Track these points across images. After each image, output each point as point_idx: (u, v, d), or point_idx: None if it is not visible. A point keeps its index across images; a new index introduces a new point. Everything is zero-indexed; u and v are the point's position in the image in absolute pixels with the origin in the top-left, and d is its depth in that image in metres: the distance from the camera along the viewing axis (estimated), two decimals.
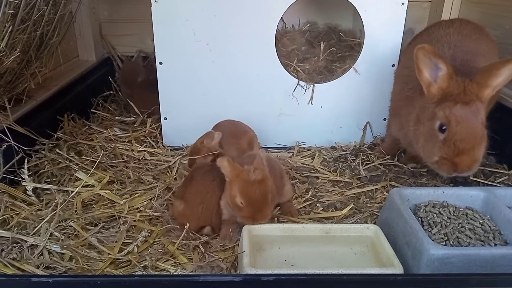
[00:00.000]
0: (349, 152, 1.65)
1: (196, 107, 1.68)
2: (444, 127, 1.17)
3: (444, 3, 2.13)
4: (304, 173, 1.52)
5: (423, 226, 1.09)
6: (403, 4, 1.58)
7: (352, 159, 1.60)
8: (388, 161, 1.58)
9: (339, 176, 1.50)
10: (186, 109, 1.68)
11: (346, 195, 1.39)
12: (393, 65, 1.66)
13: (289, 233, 1.13)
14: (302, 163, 1.59)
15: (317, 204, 1.35)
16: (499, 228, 1.10)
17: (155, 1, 1.54)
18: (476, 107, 1.16)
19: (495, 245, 1.04)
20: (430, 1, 2.29)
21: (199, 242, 1.14)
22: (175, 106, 1.68)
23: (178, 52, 1.60)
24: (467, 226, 1.09)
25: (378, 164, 1.57)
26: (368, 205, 1.34)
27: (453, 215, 1.13)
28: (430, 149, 1.21)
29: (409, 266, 1.02)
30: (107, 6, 2.29)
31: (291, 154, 1.67)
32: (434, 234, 1.07)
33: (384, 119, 1.73)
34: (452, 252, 0.96)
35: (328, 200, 1.36)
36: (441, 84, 1.19)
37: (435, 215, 1.12)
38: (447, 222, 1.10)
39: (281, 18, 1.59)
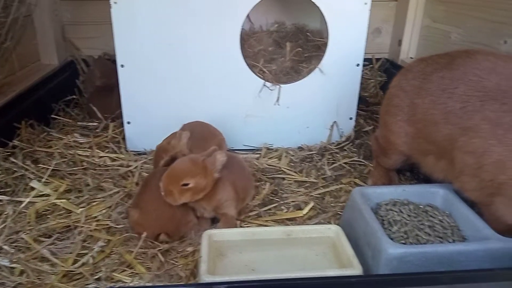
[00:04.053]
0: (315, 152, 1.64)
1: (161, 110, 1.64)
2: None
3: (409, 2, 2.15)
4: (271, 175, 1.51)
5: (383, 225, 1.09)
6: (366, 3, 1.59)
7: (318, 159, 1.60)
8: (354, 159, 1.58)
9: (305, 177, 1.49)
10: (150, 112, 1.64)
11: (311, 196, 1.38)
12: (357, 65, 1.66)
13: (250, 237, 1.10)
14: (268, 165, 1.58)
15: (282, 206, 1.33)
16: (458, 224, 1.10)
17: (115, 2, 1.50)
18: None
19: (454, 241, 1.04)
20: (397, 0, 2.32)
21: (158, 250, 1.10)
22: (138, 110, 1.63)
23: (140, 54, 1.56)
24: (426, 223, 1.09)
25: (344, 163, 1.57)
26: (332, 205, 1.33)
27: (413, 212, 1.13)
28: None
29: (369, 266, 1.01)
30: (69, 8, 2.22)
31: (258, 155, 1.65)
32: (394, 232, 1.07)
33: (350, 118, 1.73)
34: (410, 251, 0.96)
35: (293, 201, 1.35)
36: None
37: (395, 213, 1.12)
38: (407, 220, 1.10)
39: (249, 18, 1.57)
